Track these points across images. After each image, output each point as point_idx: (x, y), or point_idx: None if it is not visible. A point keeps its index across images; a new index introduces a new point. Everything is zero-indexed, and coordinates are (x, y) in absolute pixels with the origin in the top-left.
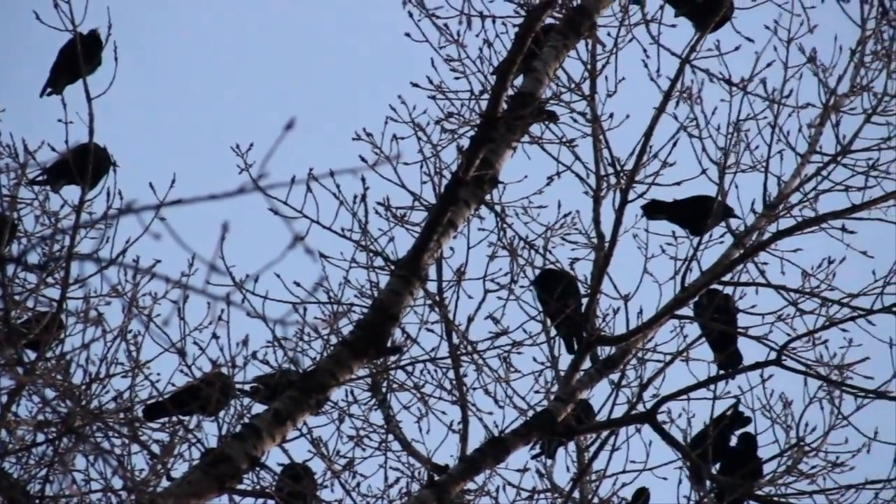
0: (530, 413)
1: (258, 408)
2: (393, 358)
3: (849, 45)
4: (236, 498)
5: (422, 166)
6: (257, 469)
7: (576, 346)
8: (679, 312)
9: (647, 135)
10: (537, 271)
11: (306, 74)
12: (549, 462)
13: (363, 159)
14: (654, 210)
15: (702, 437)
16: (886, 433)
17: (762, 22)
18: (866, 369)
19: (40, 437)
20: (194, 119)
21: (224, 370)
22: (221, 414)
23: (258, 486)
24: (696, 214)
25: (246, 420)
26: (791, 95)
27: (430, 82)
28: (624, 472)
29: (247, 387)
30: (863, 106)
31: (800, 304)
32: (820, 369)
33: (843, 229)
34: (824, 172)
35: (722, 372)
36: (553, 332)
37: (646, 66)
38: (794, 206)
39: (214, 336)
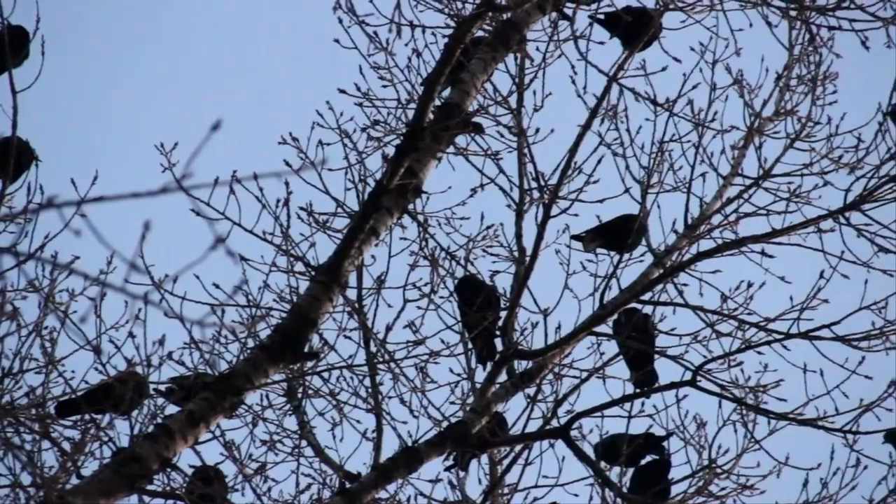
0: (445, 424)
1: (172, 408)
2: (309, 364)
3: (776, 69)
4: (146, 498)
5: (346, 173)
6: (168, 470)
7: (488, 359)
8: (597, 329)
9: (572, 151)
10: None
11: (235, 76)
12: (461, 474)
13: (288, 163)
14: (591, 239)
15: (609, 444)
16: (798, 458)
17: (689, 43)
18: (780, 393)
19: None
20: (120, 116)
21: (139, 369)
22: (134, 413)
23: (168, 488)
24: (621, 234)
25: (159, 420)
26: (716, 118)
27: (358, 89)
28: (536, 486)
29: (161, 387)
30: (786, 130)
31: (717, 325)
32: (735, 391)
33: (763, 253)
34: (746, 195)
35: (637, 391)
36: (469, 343)
37: (573, 82)
38: (714, 228)
39: (131, 335)
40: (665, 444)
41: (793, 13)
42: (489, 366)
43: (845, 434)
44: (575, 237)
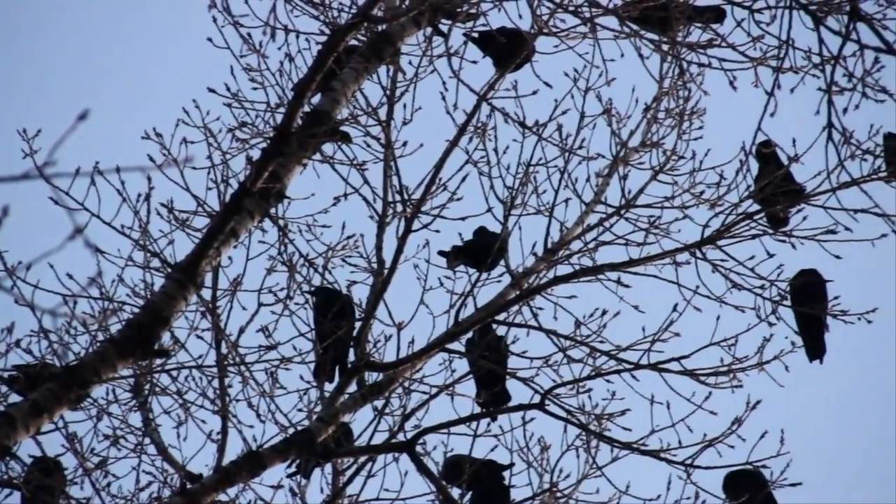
0: (291, 431)
1: (15, 397)
2: (159, 361)
3: (645, 101)
4: None
5: (209, 172)
6: (7, 459)
7: (335, 371)
8: (450, 346)
9: (438, 167)
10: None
11: (107, 67)
12: (303, 482)
13: (151, 159)
14: (456, 255)
15: (453, 463)
16: (638, 488)
17: (562, 69)
18: (626, 422)
19: None
20: None
21: None
22: None
23: (6, 477)
24: (483, 252)
25: (1, 408)
26: (584, 145)
27: (228, 90)
28: (377, 499)
29: (6, 374)
30: (651, 162)
31: (569, 351)
32: (581, 417)
33: (619, 282)
34: (607, 224)
35: (484, 410)
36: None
37: (443, 98)
38: (573, 254)
39: None
40: (506, 472)
41: (665, 47)
42: (338, 376)
43: (686, 467)
44: (441, 253)
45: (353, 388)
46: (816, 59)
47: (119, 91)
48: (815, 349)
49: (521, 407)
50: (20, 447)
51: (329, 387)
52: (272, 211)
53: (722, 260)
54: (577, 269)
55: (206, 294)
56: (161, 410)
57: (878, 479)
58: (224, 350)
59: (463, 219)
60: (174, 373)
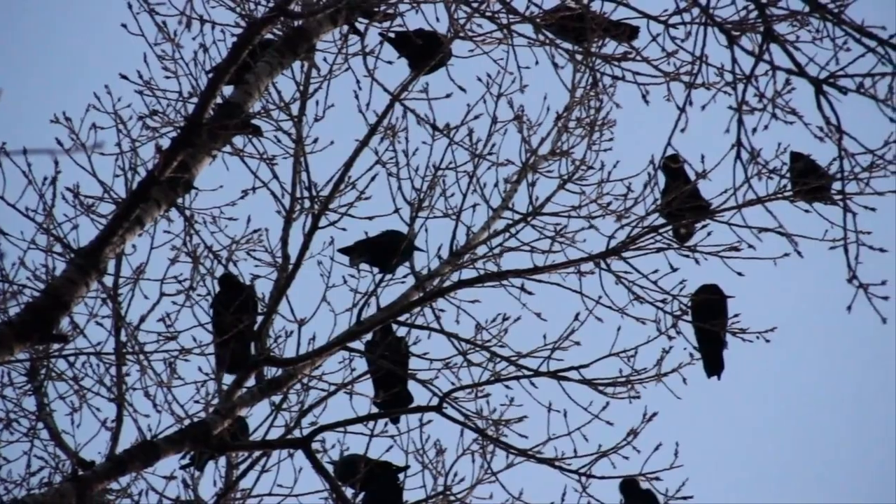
0: (187, 422)
1: None
2: (56, 346)
3: (556, 109)
4: None
5: (118, 159)
6: None
7: (240, 363)
8: (351, 345)
9: (348, 165)
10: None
11: (16, 50)
12: (197, 474)
13: (59, 143)
14: (358, 252)
15: (348, 462)
16: (531, 494)
17: (477, 73)
18: (523, 429)
19: None
20: None
21: None
22: None
23: None
24: (387, 251)
25: None
26: (494, 150)
27: (140, 77)
28: (270, 494)
29: None
30: (560, 171)
31: (469, 355)
32: (478, 422)
33: (523, 289)
34: (513, 230)
35: (382, 411)
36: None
37: (357, 97)
38: (479, 259)
39: None
40: (401, 475)
41: (579, 57)
42: (238, 370)
43: (580, 476)
44: (343, 250)
45: (251, 382)
46: (729, 78)
47: (29, 73)
48: (714, 365)
49: (419, 409)
50: None
51: (227, 380)
52: (179, 201)
53: (625, 272)
54: (481, 273)
55: (108, 281)
56: (56, 396)
57: (770, 494)
58: (123, 338)
59: (370, 218)
60: (71, 358)
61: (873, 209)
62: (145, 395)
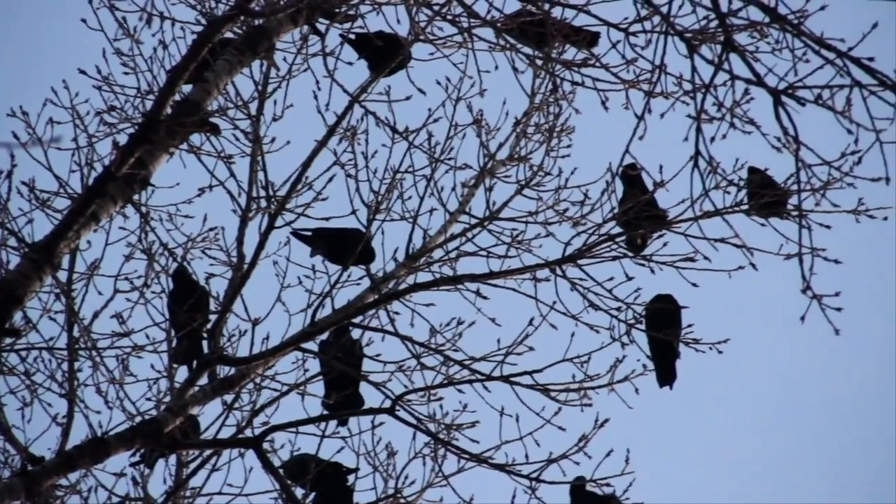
0: (138, 419)
1: None
2: (8, 340)
3: (515, 114)
4: None
5: (74, 154)
6: None
7: (191, 360)
8: (304, 346)
9: (305, 165)
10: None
11: None
12: (146, 471)
13: (16, 136)
14: (318, 245)
15: (298, 462)
16: (482, 498)
17: (436, 77)
18: (475, 433)
19: None
20: None
21: None
22: None
23: None
24: (344, 248)
25: None
26: (452, 154)
27: (99, 72)
28: (220, 493)
29: None
30: (518, 176)
31: (423, 358)
32: (430, 425)
33: (478, 293)
34: (469, 234)
35: (333, 412)
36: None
37: (315, 97)
38: (434, 262)
39: None
40: (351, 476)
41: (539, 62)
42: (191, 367)
43: (531, 481)
44: (299, 235)
45: (204, 380)
46: (688, 86)
47: None
48: (666, 376)
49: (371, 411)
50: None
51: (180, 377)
52: (135, 197)
53: (581, 279)
54: (437, 277)
55: (62, 276)
56: (7, 390)
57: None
58: (76, 333)
59: (327, 219)
60: (23, 353)
61: (828, 227)
62: (97, 391)
